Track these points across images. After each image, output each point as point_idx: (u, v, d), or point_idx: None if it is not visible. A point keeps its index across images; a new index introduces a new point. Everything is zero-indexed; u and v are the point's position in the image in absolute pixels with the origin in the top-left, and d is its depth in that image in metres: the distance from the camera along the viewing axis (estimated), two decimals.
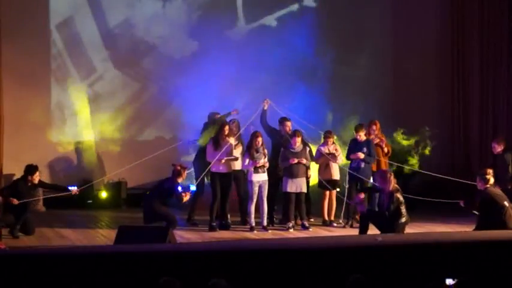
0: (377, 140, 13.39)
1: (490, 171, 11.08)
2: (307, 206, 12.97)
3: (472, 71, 16.38)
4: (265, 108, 13.29)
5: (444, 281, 7.39)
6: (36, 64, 15.26)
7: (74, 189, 12.63)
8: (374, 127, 13.55)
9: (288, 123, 13.17)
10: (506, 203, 10.71)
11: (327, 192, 12.97)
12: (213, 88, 15.42)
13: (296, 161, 12.45)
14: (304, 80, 15.68)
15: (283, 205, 12.90)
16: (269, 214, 12.80)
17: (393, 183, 10.83)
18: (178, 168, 11.90)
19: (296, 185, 12.53)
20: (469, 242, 9.58)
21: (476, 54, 16.33)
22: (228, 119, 13.24)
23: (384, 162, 13.29)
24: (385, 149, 13.48)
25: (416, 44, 16.54)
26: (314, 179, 13.35)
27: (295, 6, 16.53)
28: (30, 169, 12.28)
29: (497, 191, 10.96)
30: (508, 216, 10.60)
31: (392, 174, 11.09)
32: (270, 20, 16.40)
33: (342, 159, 13.06)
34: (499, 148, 13.21)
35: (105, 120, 15.56)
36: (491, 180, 10.87)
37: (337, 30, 16.26)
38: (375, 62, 16.40)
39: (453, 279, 6.83)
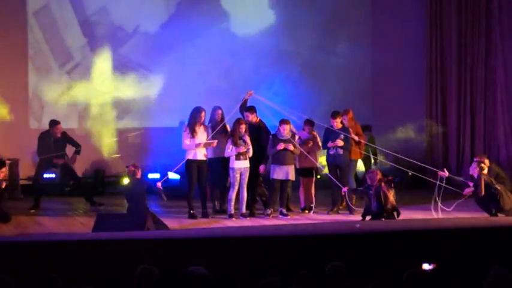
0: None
1: (486, 160, 12.04)
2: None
3: (450, 61, 16.31)
4: (247, 98, 12.99)
5: (421, 266, 7.44)
6: (14, 51, 15.12)
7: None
8: (346, 116, 13.49)
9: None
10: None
11: (304, 180, 12.91)
12: (193, 75, 15.41)
13: (283, 146, 12.37)
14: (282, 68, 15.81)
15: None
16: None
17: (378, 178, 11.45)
18: (132, 168, 11.39)
19: (283, 172, 12.49)
20: (447, 229, 9.67)
21: (454, 42, 16.31)
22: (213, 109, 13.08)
23: (356, 151, 13.21)
24: (355, 138, 13.34)
25: (396, 36, 16.49)
26: None
27: None
28: None
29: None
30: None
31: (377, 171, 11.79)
32: None
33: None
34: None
35: (83, 107, 15.46)
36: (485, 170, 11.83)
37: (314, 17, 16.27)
38: (353, 50, 16.36)
39: (429, 264, 6.88)
